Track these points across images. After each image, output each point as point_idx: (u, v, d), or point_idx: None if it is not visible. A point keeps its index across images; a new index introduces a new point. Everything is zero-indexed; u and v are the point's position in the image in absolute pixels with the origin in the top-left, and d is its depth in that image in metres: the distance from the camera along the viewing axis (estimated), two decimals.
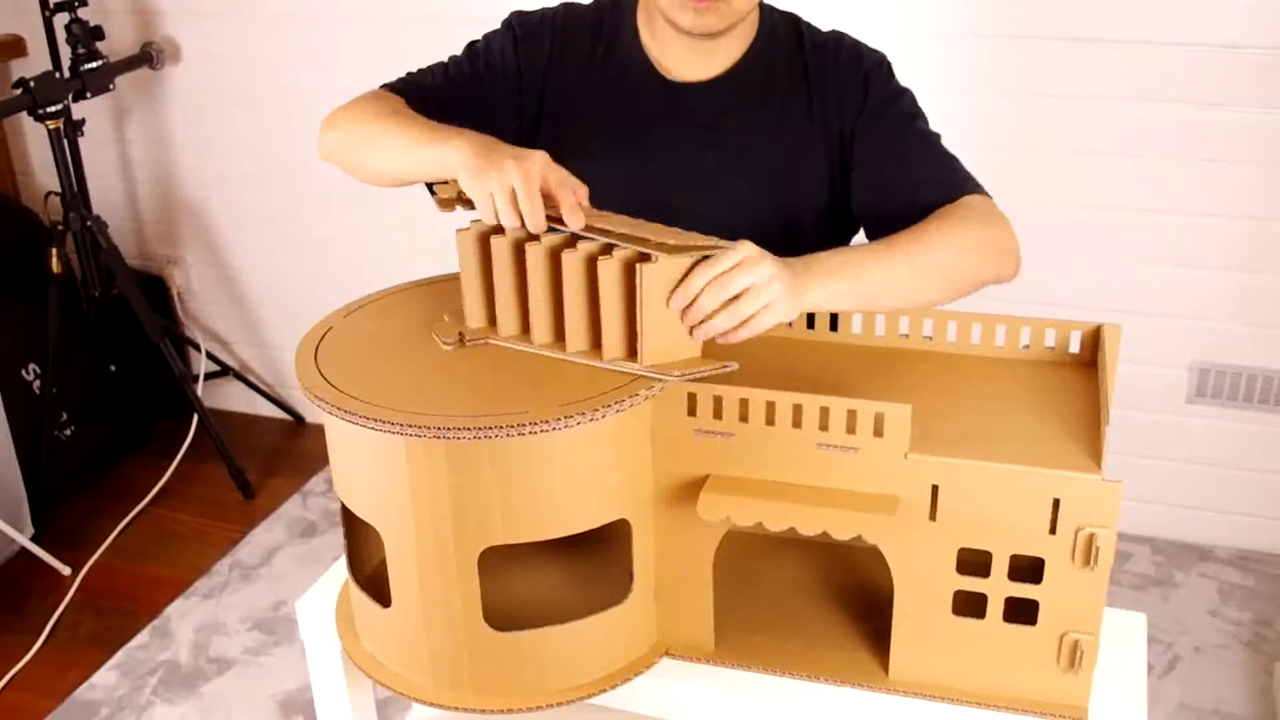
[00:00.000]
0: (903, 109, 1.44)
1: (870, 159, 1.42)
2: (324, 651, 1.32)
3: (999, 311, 1.27)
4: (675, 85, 1.45)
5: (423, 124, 1.30)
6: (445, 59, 1.52)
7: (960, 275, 1.28)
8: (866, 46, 1.47)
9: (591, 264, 1.12)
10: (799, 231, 1.47)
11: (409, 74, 1.50)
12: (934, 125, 1.47)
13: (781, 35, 1.47)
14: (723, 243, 1.12)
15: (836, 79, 1.44)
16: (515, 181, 1.13)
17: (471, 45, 1.52)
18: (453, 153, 1.20)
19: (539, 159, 1.16)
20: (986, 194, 1.38)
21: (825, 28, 1.50)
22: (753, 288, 1.10)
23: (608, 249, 1.11)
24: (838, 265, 1.20)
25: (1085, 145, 2.35)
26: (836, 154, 1.45)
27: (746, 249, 1.12)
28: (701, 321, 1.11)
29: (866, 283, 1.21)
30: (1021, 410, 1.17)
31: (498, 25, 1.53)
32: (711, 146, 1.45)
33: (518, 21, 1.50)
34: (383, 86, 1.45)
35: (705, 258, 1.10)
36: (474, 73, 1.48)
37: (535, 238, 1.14)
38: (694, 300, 1.10)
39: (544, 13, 1.51)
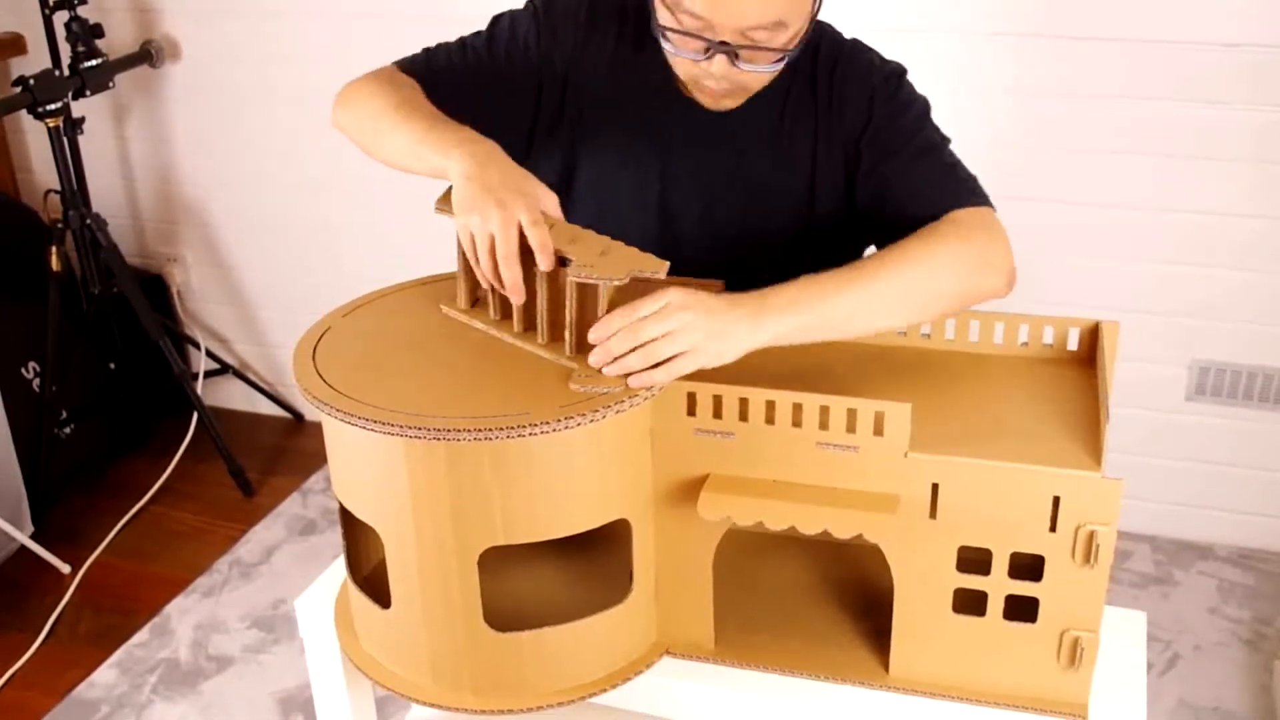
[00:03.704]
0: (908, 121, 1.40)
1: (871, 173, 1.40)
2: (323, 650, 1.32)
3: (997, 309, 1.27)
4: (692, 102, 1.41)
5: (426, 121, 1.28)
6: (466, 36, 1.46)
7: (935, 296, 1.24)
8: (880, 58, 1.43)
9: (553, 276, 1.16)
10: (816, 242, 1.45)
11: (426, 50, 1.45)
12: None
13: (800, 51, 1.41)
14: (660, 268, 1.13)
15: (843, 93, 1.40)
16: (496, 233, 1.14)
17: (494, 24, 1.46)
18: (452, 167, 1.20)
19: (524, 210, 1.14)
20: (985, 204, 1.34)
21: (847, 35, 1.45)
22: (670, 333, 1.10)
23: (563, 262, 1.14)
24: (793, 300, 1.17)
25: (1085, 145, 2.35)
26: (845, 165, 1.42)
27: (670, 296, 1.12)
28: (615, 360, 1.11)
29: (828, 313, 1.18)
30: (1021, 408, 1.17)
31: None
32: (728, 160, 1.43)
33: (543, 5, 1.44)
34: (397, 63, 1.42)
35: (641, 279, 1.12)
36: (492, 59, 1.43)
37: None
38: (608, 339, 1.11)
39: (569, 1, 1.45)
